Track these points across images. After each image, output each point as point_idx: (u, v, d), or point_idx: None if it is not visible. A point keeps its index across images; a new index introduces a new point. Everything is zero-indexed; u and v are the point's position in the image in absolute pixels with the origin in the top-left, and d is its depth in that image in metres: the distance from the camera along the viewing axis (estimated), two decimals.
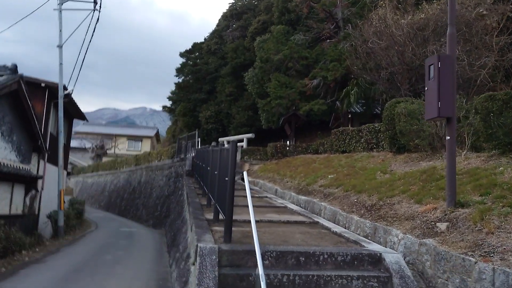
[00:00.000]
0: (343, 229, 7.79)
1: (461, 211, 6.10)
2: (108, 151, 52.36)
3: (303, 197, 11.36)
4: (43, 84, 16.89)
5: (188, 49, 44.53)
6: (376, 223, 7.17)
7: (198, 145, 22.74)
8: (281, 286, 5.31)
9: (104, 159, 46.36)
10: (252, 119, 33.04)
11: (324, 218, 9.28)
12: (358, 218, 7.85)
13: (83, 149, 51.38)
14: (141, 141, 61.82)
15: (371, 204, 8.21)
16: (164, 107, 51.18)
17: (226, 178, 6.48)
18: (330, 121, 25.48)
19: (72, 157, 53.28)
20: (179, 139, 27.08)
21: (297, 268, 5.64)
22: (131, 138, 62.00)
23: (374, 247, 6.29)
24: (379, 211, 7.71)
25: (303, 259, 5.71)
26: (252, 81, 29.30)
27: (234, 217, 8.50)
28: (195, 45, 44.39)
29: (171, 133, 51.24)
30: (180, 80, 45.29)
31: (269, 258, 5.66)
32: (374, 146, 15.13)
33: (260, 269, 4.42)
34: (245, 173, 6.08)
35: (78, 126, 69.47)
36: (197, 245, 5.67)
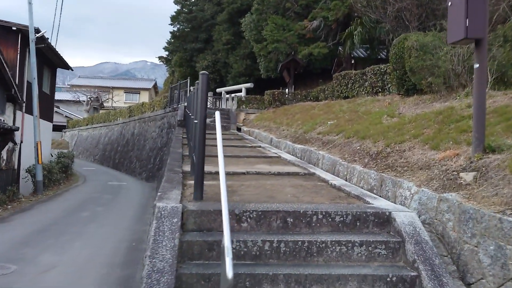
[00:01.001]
0: (343, 182, 6.58)
1: (492, 157, 4.82)
2: (105, 104, 50.96)
3: (299, 146, 10.11)
4: (14, 28, 15.33)
5: None
6: (383, 174, 5.94)
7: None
8: (262, 255, 4.13)
9: (101, 112, 44.96)
10: (251, 68, 31.50)
11: (322, 169, 8.08)
12: (361, 168, 6.62)
13: (78, 102, 49.94)
14: (139, 93, 60.55)
15: (377, 151, 6.95)
16: (160, 57, 49.38)
17: (196, 121, 5.19)
18: (332, 68, 23.88)
19: (67, 110, 52.13)
20: (171, 88, 25.59)
21: (283, 232, 4.45)
22: (128, 90, 60.71)
23: (381, 203, 5.08)
24: (386, 159, 6.46)
25: (292, 220, 4.50)
26: (250, 27, 27.45)
27: (216, 169, 7.32)
28: None
29: (168, 84, 49.62)
30: (175, 29, 43.35)
31: (248, 220, 4.46)
32: (380, 90, 13.76)
33: (226, 239, 3.21)
34: (217, 113, 4.79)
35: (74, 79, 68.01)
36: (154, 205, 4.46)
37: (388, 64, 13.13)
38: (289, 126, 13.52)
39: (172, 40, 43.20)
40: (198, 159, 4.90)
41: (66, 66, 21.43)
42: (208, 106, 27.14)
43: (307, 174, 7.41)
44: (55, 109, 51.24)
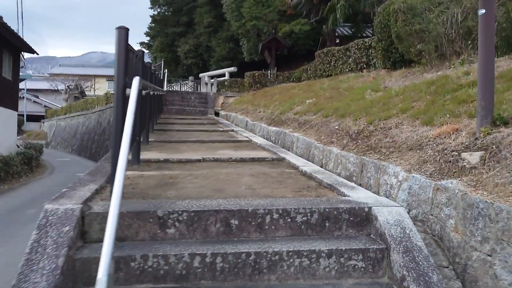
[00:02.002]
0: (317, 168, 5.38)
1: (504, 131, 3.65)
2: (86, 93, 49.15)
3: (273, 128, 8.91)
4: None
5: None
6: (363, 157, 4.76)
7: (165, 78, 19.99)
8: (190, 275, 2.93)
9: (79, 101, 43.17)
10: (234, 52, 30.21)
11: (296, 153, 6.91)
12: (338, 150, 5.44)
13: (56, 91, 48.11)
14: None
15: (358, 130, 5.77)
16: (141, 43, 47.75)
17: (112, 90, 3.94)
18: (317, 49, 22.59)
19: (46, 100, 50.39)
20: None
21: (224, 239, 3.24)
22: (111, 79, 59.01)
23: (360, 194, 3.87)
24: (368, 139, 5.28)
25: (237, 222, 3.29)
26: (231, 8, 26.04)
27: (167, 156, 6.12)
28: None
29: None
30: (156, 13, 41.86)
31: (177, 224, 3.24)
32: (365, 65, 12.56)
33: (102, 267, 2.01)
34: (135, 79, 3.54)
35: (55, 67, 66.04)
36: (44, 208, 3.21)
37: (373, 37, 11.94)
38: (267, 107, 12.31)
39: (153, 25, 41.78)
40: (113, 142, 3.65)
41: (30, 50, 19.91)
42: (188, 91, 25.88)
43: (276, 159, 6.21)
44: (34, 98, 49.65)
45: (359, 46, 12.95)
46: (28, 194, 11.76)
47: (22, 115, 45.31)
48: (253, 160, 6.15)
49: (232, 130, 10.87)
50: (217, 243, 3.15)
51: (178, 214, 3.25)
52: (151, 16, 41.64)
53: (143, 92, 5.75)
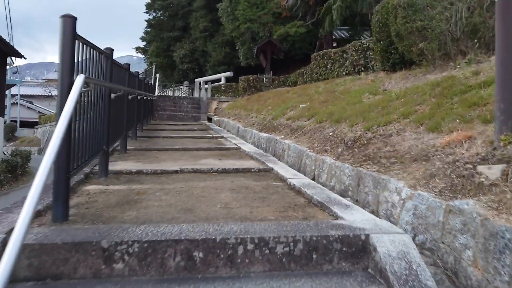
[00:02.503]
0: (307, 181, 4.71)
1: None
2: None
3: (264, 135, 8.28)
4: None
5: None
6: (360, 169, 4.12)
7: (156, 82, 19.35)
8: None
9: None
10: (230, 56, 29.73)
11: (287, 162, 6.28)
12: (332, 160, 4.80)
13: (50, 97, 47.51)
14: None
15: (354, 137, 5.13)
16: (137, 48, 47.36)
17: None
18: (314, 53, 22.05)
19: (40, 106, 49.77)
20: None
21: (184, 276, 2.58)
22: None
23: (355, 217, 3.21)
24: (366, 147, 4.65)
25: (201, 255, 2.64)
26: (226, 12, 25.53)
27: (142, 167, 5.47)
28: None
29: None
30: (151, 17, 41.47)
31: (125, 258, 2.59)
32: (362, 68, 11.94)
33: None
34: (78, 78, 2.91)
35: (50, 73, 65.57)
36: None
37: (371, 38, 11.35)
38: (259, 112, 11.70)
39: (149, 29, 41.38)
40: (58, 149, 3.00)
41: (17, 54, 19.28)
42: (181, 96, 25.27)
43: (263, 170, 5.56)
44: (28, 104, 49.03)
45: (356, 48, 12.35)
46: (6, 205, 11.07)
47: (16, 121, 44.70)
48: (237, 171, 5.50)
49: (222, 137, 10.23)
50: (175, 282, 2.50)
51: (128, 245, 2.59)
52: (146, 21, 41.31)
53: (112, 95, 5.11)
